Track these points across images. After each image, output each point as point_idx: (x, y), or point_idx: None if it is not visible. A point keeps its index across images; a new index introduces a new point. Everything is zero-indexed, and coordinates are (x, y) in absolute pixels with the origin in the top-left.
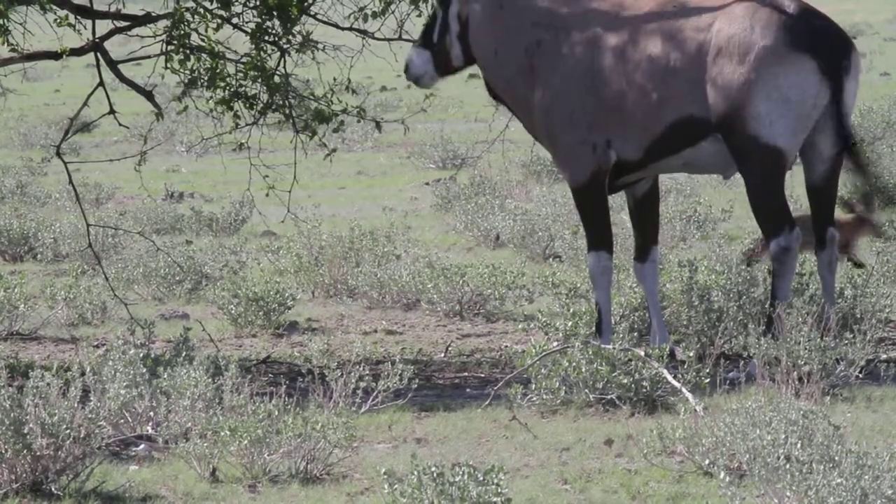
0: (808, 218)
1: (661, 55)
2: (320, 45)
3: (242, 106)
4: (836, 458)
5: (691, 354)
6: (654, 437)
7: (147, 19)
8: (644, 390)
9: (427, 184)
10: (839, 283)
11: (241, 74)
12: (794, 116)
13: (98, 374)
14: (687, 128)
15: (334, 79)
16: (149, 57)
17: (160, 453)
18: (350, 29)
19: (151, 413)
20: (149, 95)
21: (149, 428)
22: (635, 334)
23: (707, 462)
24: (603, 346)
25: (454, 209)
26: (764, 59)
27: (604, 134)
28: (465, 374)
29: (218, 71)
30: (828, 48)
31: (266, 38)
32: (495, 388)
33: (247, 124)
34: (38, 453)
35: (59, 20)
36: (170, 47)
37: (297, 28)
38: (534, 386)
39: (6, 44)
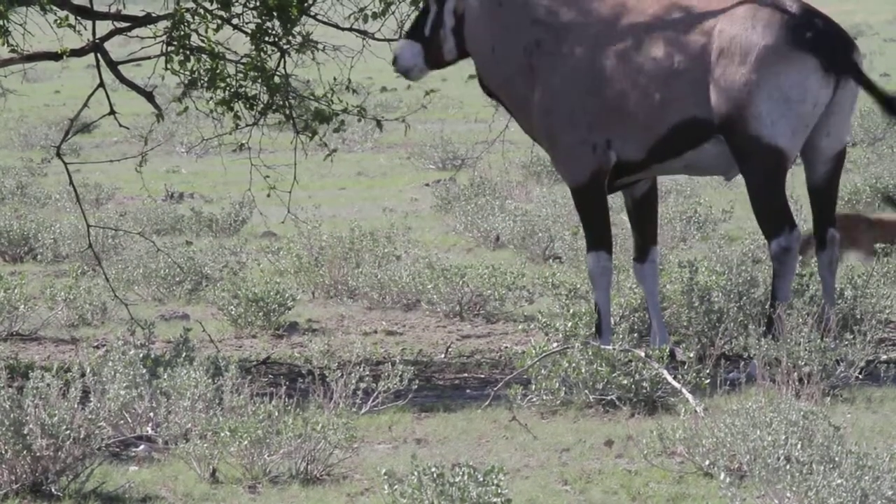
0: (845, 217)
1: (663, 56)
2: (320, 46)
3: (242, 106)
4: (837, 459)
5: (691, 355)
6: (655, 438)
7: (147, 20)
8: (644, 391)
9: (427, 184)
10: (839, 284)
11: (242, 75)
12: (794, 116)
13: (98, 374)
14: (689, 129)
15: (334, 79)
16: (149, 58)
17: (160, 454)
18: (350, 29)
19: (151, 414)
20: (149, 96)
21: (149, 429)
22: (635, 335)
23: (707, 463)
24: (603, 346)
25: (454, 210)
26: (765, 58)
27: (604, 134)
28: (465, 374)
29: (218, 71)
30: (829, 48)
31: (266, 38)
32: (495, 388)
33: (247, 125)
34: (38, 454)
35: (59, 21)
36: (170, 48)
37: (297, 28)
38: (534, 387)
39: (6, 44)
